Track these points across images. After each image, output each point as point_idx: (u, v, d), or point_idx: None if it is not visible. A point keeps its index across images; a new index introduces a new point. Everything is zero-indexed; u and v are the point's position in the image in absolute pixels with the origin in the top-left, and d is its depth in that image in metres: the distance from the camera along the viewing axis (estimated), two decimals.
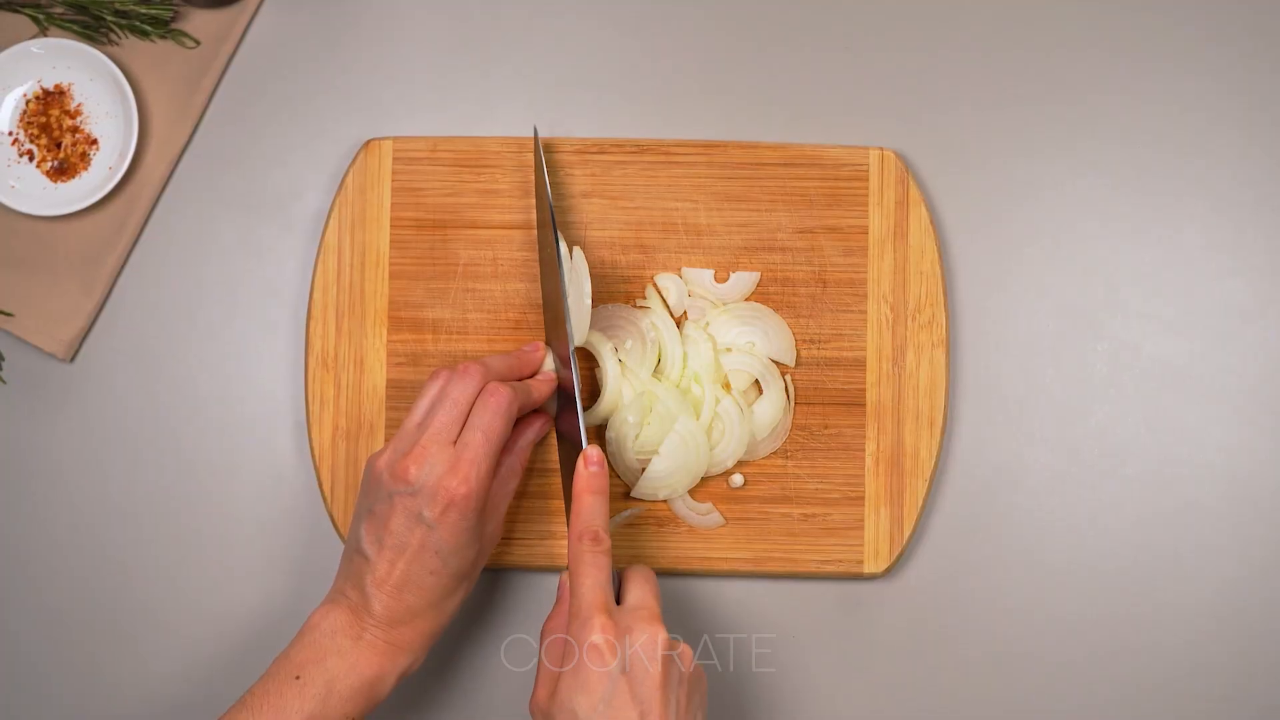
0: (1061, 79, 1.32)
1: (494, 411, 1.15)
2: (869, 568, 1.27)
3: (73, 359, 1.31)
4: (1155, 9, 1.32)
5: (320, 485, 1.27)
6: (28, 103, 1.31)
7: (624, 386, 1.25)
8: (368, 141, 1.28)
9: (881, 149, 1.28)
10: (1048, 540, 1.30)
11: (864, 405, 1.27)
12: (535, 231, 1.28)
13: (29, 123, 1.31)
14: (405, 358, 1.27)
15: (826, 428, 1.27)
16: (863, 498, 1.27)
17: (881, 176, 1.28)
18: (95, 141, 1.31)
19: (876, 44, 1.32)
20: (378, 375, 1.27)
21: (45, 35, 1.31)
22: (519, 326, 1.28)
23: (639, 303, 1.28)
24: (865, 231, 1.28)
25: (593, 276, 1.27)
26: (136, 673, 1.30)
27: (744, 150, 1.28)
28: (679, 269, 1.28)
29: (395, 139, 1.28)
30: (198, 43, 1.31)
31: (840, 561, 1.27)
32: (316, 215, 1.30)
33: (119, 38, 1.32)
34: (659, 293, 1.28)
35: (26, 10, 1.31)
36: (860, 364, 1.27)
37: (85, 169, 1.31)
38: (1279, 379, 1.30)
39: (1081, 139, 1.31)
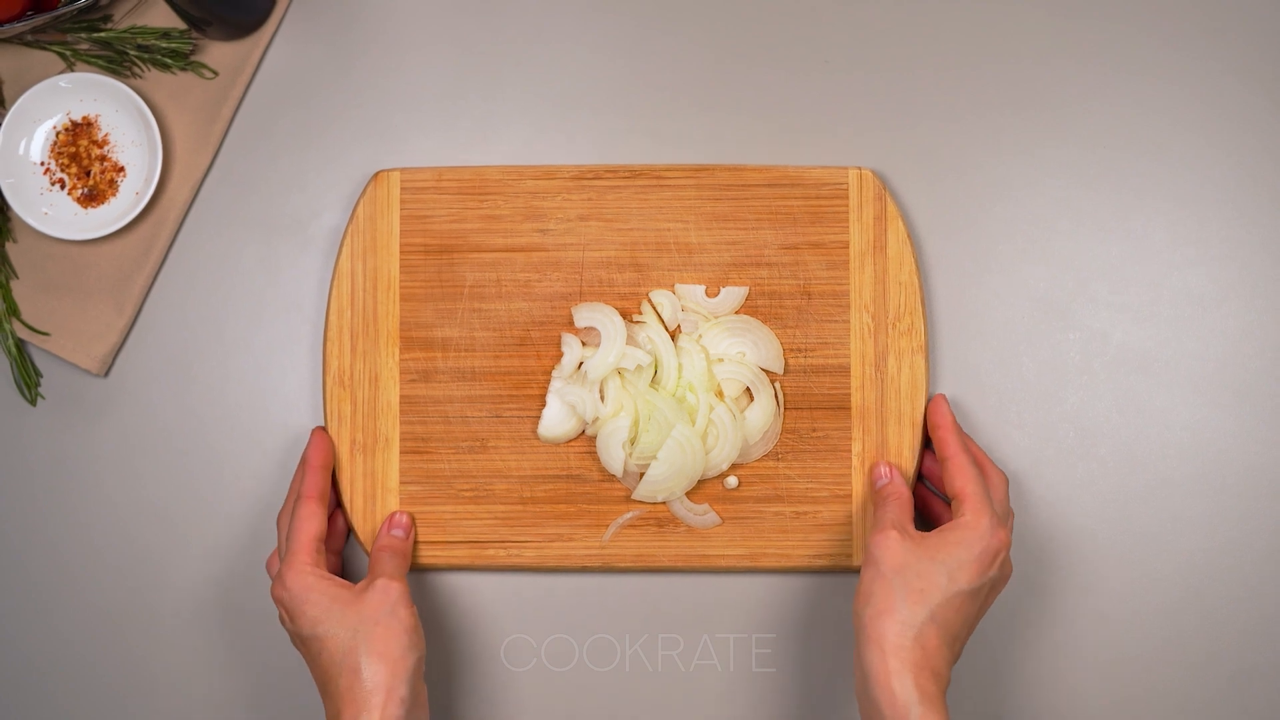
0: (1031, 86, 1.37)
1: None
2: (857, 560, 1.34)
3: (107, 374, 1.37)
4: (1119, 18, 1.37)
5: (340, 496, 1.34)
6: (57, 134, 1.37)
7: (625, 399, 1.33)
8: (376, 173, 1.34)
9: (860, 169, 1.34)
10: (1025, 519, 1.36)
11: (849, 409, 1.34)
12: (536, 254, 1.35)
13: (59, 153, 1.36)
14: (417, 374, 1.34)
15: (814, 430, 1.34)
16: (850, 495, 1.34)
17: (861, 194, 1.34)
18: (122, 169, 1.36)
19: (852, 68, 1.37)
20: (391, 392, 1.34)
21: (72, 70, 1.37)
22: (523, 343, 1.34)
23: (635, 318, 1.34)
24: (846, 246, 1.34)
25: (592, 295, 1.34)
26: (173, 665, 1.37)
27: (731, 173, 1.34)
28: (672, 285, 1.34)
29: (402, 170, 1.34)
30: (216, 74, 1.37)
31: (830, 555, 1.34)
32: (331, 232, 1.37)
33: (142, 71, 1.37)
34: (654, 308, 1.34)
35: (54, 48, 1.37)
36: (845, 370, 1.34)
37: (114, 195, 1.36)
38: (1240, 361, 1.36)
39: (1051, 142, 1.37)
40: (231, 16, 1.35)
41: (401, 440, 1.34)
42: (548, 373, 1.34)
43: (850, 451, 1.34)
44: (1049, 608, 1.36)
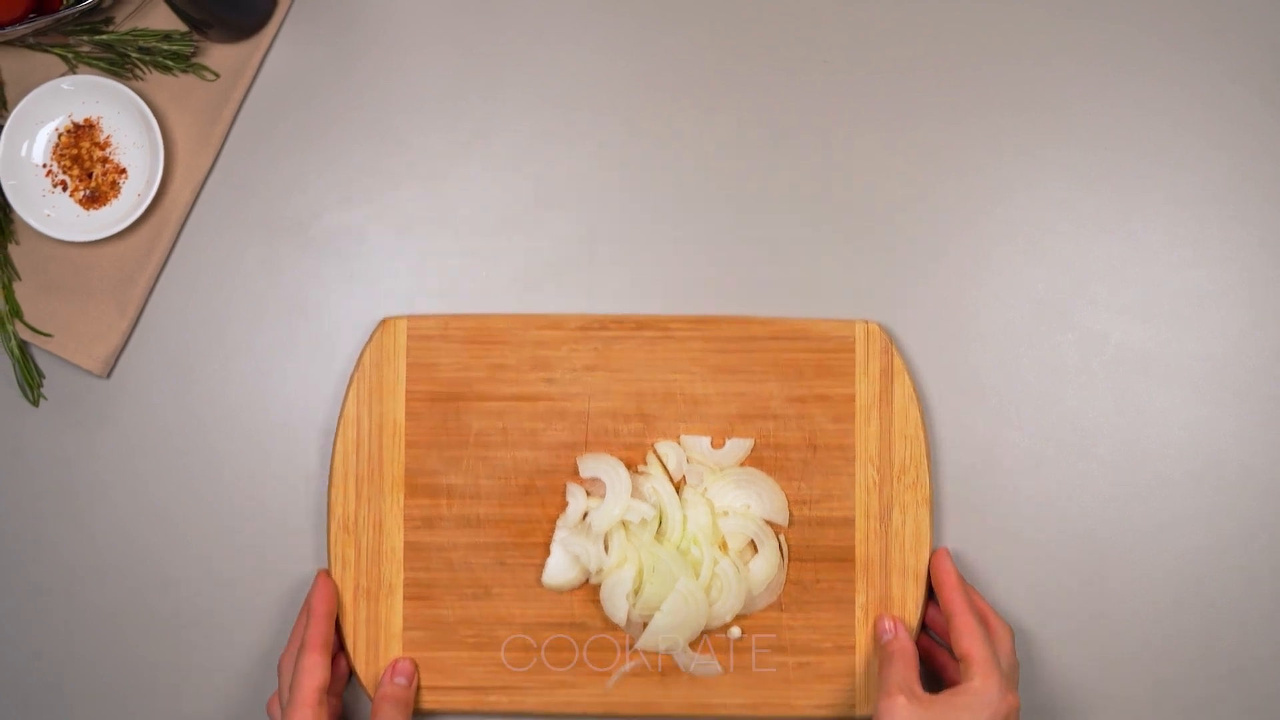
0: (1031, 88, 1.38)
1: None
2: (860, 710, 1.34)
3: (109, 375, 1.38)
4: (1119, 19, 1.39)
5: (343, 640, 1.34)
6: (60, 136, 1.38)
7: (629, 551, 1.33)
8: (383, 320, 1.35)
9: (866, 322, 1.35)
10: (1026, 518, 1.37)
11: (853, 561, 1.34)
12: (542, 403, 1.35)
13: (61, 155, 1.37)
14: (421, 521, 1.34)
15: (818, 582, 1.34)
16: (854, 646, 1.34)
17: (867, 348, 1.34)
18: (124, 171, 1.37)
19: (852, 69, 1.39)
20: (395, 538, 1.34)
21: (74, 73, 1.38)
22: (528, 491, 1.35)
23: (641, 469, 1.34)
24: (853, 399, 1.35)
25: (597, 444, 1.34)
26: (176, 664, 1.37)
27: (736, 325, 1.35)
28: (678, 436, 1.35)
29: (409, 317, 1.35)
30: (217, 75, 1.38)
31: (833, 705, 1.34)
32: (339, 227, 1.38)
33: (143, 73, 1.38)
34: (659, 459, 1.34)
35: (56, 50, 1.38)
36: (849, 522, 1.34)
37: (115, 197, 1.37)
38: (1239, 361, 1.37)
39: (1052, 144, 1.38)
40: (232, 19, 1.36)
41: (405, 586, 1.34)
42: (552, 521, 1.34)
43: (854, 603, 1.34)
44: (1048, 606, 1.36)
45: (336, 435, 1.35)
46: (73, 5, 1.34)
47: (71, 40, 1.38)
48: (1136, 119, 1.38)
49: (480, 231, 1.38)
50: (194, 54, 1.38)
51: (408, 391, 1.35)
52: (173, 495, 1.38)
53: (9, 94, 1.39)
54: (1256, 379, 1.37)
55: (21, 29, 1.33)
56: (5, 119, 1.37)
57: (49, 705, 1.37)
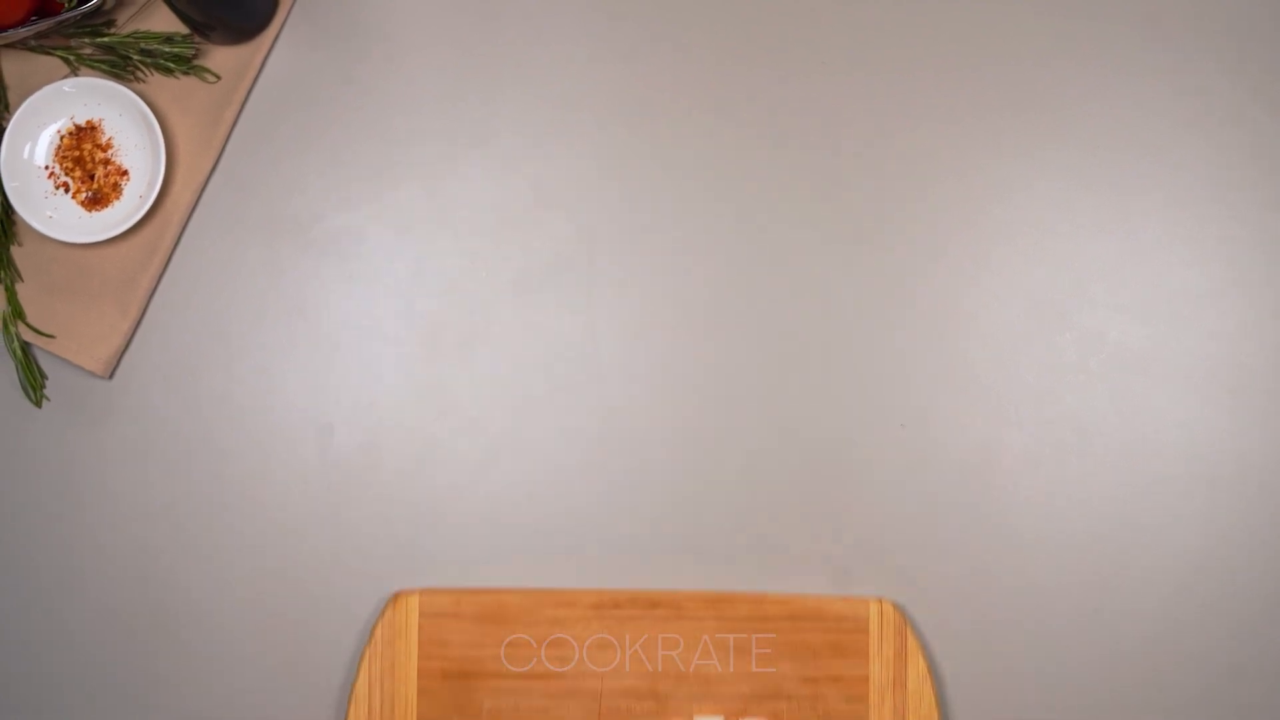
0: (1031, 88, 1.38)
1: None
2: None
3: (111, 376, 1.40)
4: (1119, 20, 1.38)
5: None
6: (62, 138, 1.38)
7: None
8: (395, 595, 1.34)
9: (880, 600, 1.33)
10: (1025, 516, 1.37)
11: None
12: (554, 682, 1.34)
13: (64, 157, 1.38)
14: None
15: None
16: None
17: (881, 629, 1.32)
18: (126, 172, 1.38)
19: (851, 69, 1.38)
20: None
21: (76, 75, 1.38)
22: None
23: None
24: (867, 680, 1.33)
25: None
26: (176, 664, 1.40)
27: (750, 604, 1.33)
28: (691, 716, 1.34)
29: (421, 592, 1.34)
30: (218, 77, 1.38)
31: None
32: (339, 228, 1.37)
33: (145, 75, 1.39)
34: None
35: (58, 52, 1.38)
36: None
37: (117, 198, 1.38)
38: (1234, 359, 1.38)
39: (1051, 144, 1.38)
40: (234, 21, 1.35)
41: None
42: None
43: None
44: (1047, 604, 1.37)
45: (348, 711, 1.34)
46: (75, 8, 1.33)
47: (73, 43, 1.37)
48: (1136, 119, 1.38)
49: (480, 232, 1.38)
50: (195, 56, 1.38)
51: (419, 669, 1.34)
52: (175, 495, 1.39)
53: (11, 96, 1.38)
54: (1254, 377, 1.37)
55: (23, 31, 1.33)
56: (7, 121, 1.37)
57: (49, 705, 1.40)
